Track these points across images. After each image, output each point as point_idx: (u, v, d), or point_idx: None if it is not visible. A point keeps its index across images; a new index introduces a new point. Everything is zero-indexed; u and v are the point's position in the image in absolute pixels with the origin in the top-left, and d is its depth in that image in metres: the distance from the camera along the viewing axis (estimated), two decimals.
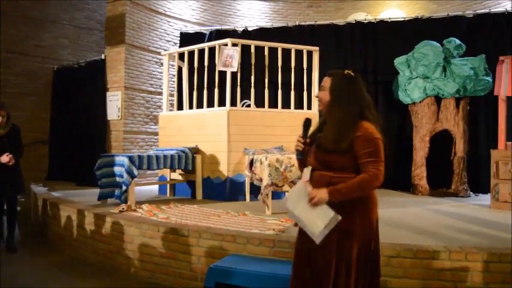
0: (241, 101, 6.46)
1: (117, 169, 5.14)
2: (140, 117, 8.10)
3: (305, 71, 6.34)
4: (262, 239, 3.32)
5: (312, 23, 7.90)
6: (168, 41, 8.60)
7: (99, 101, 7.90)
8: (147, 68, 8.20)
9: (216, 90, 5.99)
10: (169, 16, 8.63)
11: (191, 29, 8.75)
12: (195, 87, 6.50)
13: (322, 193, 1.96)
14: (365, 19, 7.84)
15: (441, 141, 6.35)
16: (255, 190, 5.33)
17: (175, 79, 7.70)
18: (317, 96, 2.20)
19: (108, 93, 7.89)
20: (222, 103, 6.07)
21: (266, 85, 6.17)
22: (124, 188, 5.02)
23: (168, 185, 6.30)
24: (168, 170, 6.09)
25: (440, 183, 6.38)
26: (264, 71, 6.18)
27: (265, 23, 9.14)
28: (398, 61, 6.53)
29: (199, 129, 6.07)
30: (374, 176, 1.96)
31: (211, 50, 6.16)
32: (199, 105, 6.36)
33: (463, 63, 6.16)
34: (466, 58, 6.24)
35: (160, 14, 8.47)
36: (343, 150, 2.00)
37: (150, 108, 8.28)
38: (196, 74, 6.56)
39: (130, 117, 7.87)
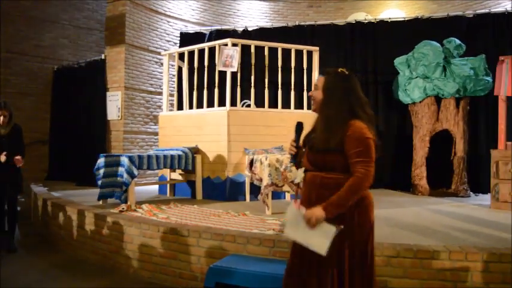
0: (241, 101, 6.46)
1: (117, 169, 5.14)
2: (140, 117, 8.10)
3: (305, 71, 6.34)
4: (262, 239, 3.32)
5: (312, 23, 7.90)
6: (168, 41, 8.60)
7: (99, 101, 7.90)
8: (147, 68, 8.20)
9: (216, 90, 5.99)
10: (169, 16, 8.63)
11: (191, 29, 8.75)
12: (195, 87, 6.50)
13: (318, 211, 1.92)
14: (365, 19, 7.84)
15: (441, 141, 6.35)
16: (255, 190, 5.34)
17: (175, 79, 7.70)
18: (310, 95, 2.17)
19: (108, 93, 7.89)
20: (222, 103, 6.07)
21: (266, 85, 6.17)
22: (124, 188, 5.02)
23: (168, 185, 6.30)
24: (168, 170, 6.09)
25: (440, 183, 6.38)
26: (264, 71, 6.18)
27: (265, 23, 9.14)
28: (398, 61, 6.53)
29: (199, 129, 6.07)
30: (362, 177, 1.93)
31: (211, 50, 6.16)
32: (199, 105, 6.36)
33: (463, 63, 6.16)
34: (466, 58, 6.24)
35: (160, 14, 8.47)
36: (333, 149, 1.97)
37: (150, 108, 8.29)
38: (196, 74, 6.56)
39: (130, 117, 7.87)
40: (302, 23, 7.92)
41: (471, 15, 6.97)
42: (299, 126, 2.21)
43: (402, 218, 4.41)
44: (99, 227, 4.28)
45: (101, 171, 5.20)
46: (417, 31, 6.85)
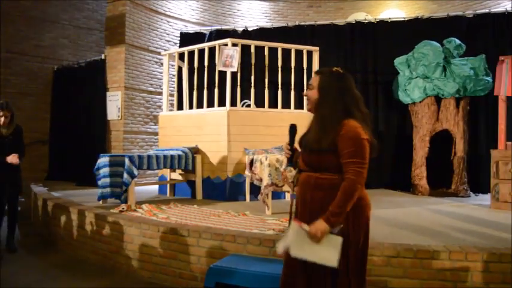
0: (241, 101, 6.46)
1: (117, 169, 5.14)
2: (140, 117, 8.10)
3: (305, 71, 6.34)
4: (262, 239, 3.32)
5: (312, 23, 7.90)
6: (168, 41, 8.60)
7: (99, 101, 7.90)
8: (147, 68, 8.20)
9: (216, 90, 5.99)
10: (169, 16, 8.63)
11: (191, 29, 8.75)
12: (195, 87, 6.50)
13: (321, 225, 1.90)
14: (365, 19, 7.84)
15: (441, 141, 6.35)
16: (255, 190, 5.34)
17: (175, 79, 7.70)
18: (305, 95, 2.16)
19: (108, 93, 7.89)
20: (222, 103, 6.07)
21: (266, 85, 6.16)
22: (124, 188, 5.02)
23: (168, 185, 6.30)
24: (168, 170, 6.09)
25: (440, 183, 6.38)
26: (264, 71, 6.18)
27: (265, 23, 9.14)
28: (398, 61, 6.53)
29: (199, 129, 6.07)
30: (355, 179, 1.91)
31: (211, 50, 6.16)
32: (199, 105, 6.36)
33: (463, 63, 6.16)
34: (466, 58, 6.24)
35: (160, 14, 8.47)
36: (326, 149, 1.96)
37: (150, 108, 8.29)
38: (196, 74, 6.56)
39: (130, 117, 7.87)
40: (302, 23, 7.92)
41: (471, 15, 6.97)
42: (292, 129, 2.20)
43: (402, 218, 4.41)
44: (99, 227, 4.28)
45: (101, 171, 5.20)
46: (417, 31, 6.85)
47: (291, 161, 2.21)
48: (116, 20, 7.85)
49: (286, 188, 4.82)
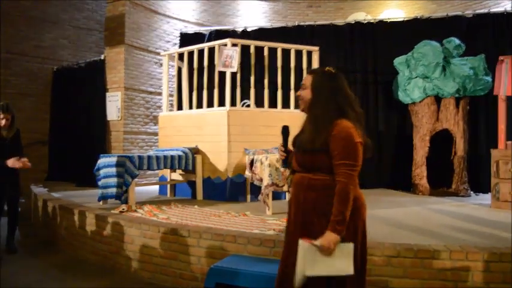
0: (241, 101, 6.46)
1: (117, 169, 5.13)
2: (140, 118, 8.09)
3: (305, 71, 6.33)
4: (262, 239, 3.31)
5: (312, 23, 7.90)
6: (168, 41, 8.60)
7: (99, 102, 7.90)
8: (146, 69, 8.20)
9: (216, 91, 5.99)
10: (169, 16, 8.62)
11: (191, 29, 8.75)
12: (195, 87, 6.50)
13: (331, 237, 1.86)
14: (365, 19, 7.85)
15: (441, 140, 6.35)
16: (256, 190, 5.34)
17: (175, 79, 7.70)
18: (298, 95, 2.14)
19: (107, 94, 7.89)
20: (221, 103, 6.07)
21: (266, 85, 6.16)
22: (124, 188, 5.01)
23: (168, 186, 6.30)
24: (168, 170, 6.09)
25: (440, 183, 6.38)
26: (263, 71, 6.18)
27: (264, 23, 9.14)
28: (398, 61, 6.54)
29: (199, 130, 6.06)
30: (347, 182, 1.89)
31: (211, 50, 6.16)
32: (199, 106, 6.36)
33: (462, 63, 6.16)
34: (465, 58, 6.24)
35: (160, 14, 8.47)
36: (319, 149, 1.94)
37: (150, 109, 8.28)
38: (196, 74, 6.55)
39: (130, 118, 7.87)
40: (302, 23, 7.92)
41: (471, 15, 6.97)
42: (285, 130, 2.20)
43: (403, 217, 4.41)
44: (99, 228, 4.28)
45: (101, 171, 5.20)
46: (417, 31, 6.85)
47: (286, 162, 2.21)
48: (116, 21, 7.84)
49: (286, 188, 4.82)
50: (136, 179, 5.21)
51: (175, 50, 7.41)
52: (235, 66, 5.79)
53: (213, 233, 3.49)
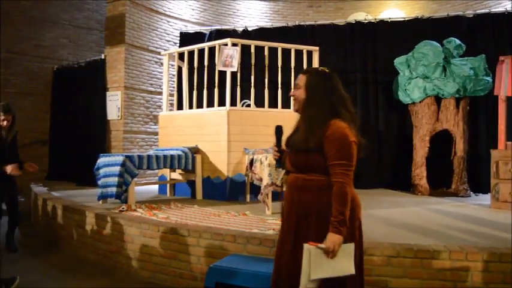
0: (241, 101, 6.46)
1: (117, 169, 5.12)
2: (140, 117, 8.10)
3: None
4: (262, 238, 3.32)
5: (312, 23, 7.89)
6: (168, 40, 8.60)
7: (99, 101, 7.90)
8: (147, 68, 8.20)
9: (216, 90, 5.99)
10: (169, 16, 8.63)
11: (191, 28, 8.75)
12: (195, 87, 6.50)
13: (334, 238, 1.86)
14: (365, 19, 7.84)
15: (441, 141, 6.35)
16: (255, 190, 5.34)
17: (175, 79, 7.70)
18: (292, 95, 2.13)
19: (108, 93, 7.89)
20: (222, 103, 6.07)
21: (266, 85, 6.16)
22: (124, 187, 5.01)
23: (168, 185, 6.30)
24: (168, 169, 6.09)
25: (440, 183, 6.39)
26: (264, 71, 6.17)
27: (265, 23, 9.14)
28: (398, 61, 6.53)
29: (199, 129, 6.07)
30: (343, 181, 1.89)
31: (211, 49, 6.16)
32: (199, 105, 6.36)
33: (463, 63, 6.16)
34: (466, 58, 6.24)
35: (160, 14, 8.47)
36: (313, 149, 1.93)
37: (150, 108, 8.28)
38: (196, 73, 6.55)
39: (130, 117, 7.87)
40: (302, 23, 7.92)
41: (471, 15, 6.97)
42: (278, 130, 2.19)
43: (402, 217, 4.41)
44: (99, 227, 4.28)
45: (101, 171, 5.20)
46: (417, 31, 6.85)
47: (280, 162, 2.20)
48: (116, 20, 7.85)
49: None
50: (136, 179, 5.21)
51: (176, 49, 7.41)
52: (235, 65, 5.80)
53: (212, 233, 3.50)
